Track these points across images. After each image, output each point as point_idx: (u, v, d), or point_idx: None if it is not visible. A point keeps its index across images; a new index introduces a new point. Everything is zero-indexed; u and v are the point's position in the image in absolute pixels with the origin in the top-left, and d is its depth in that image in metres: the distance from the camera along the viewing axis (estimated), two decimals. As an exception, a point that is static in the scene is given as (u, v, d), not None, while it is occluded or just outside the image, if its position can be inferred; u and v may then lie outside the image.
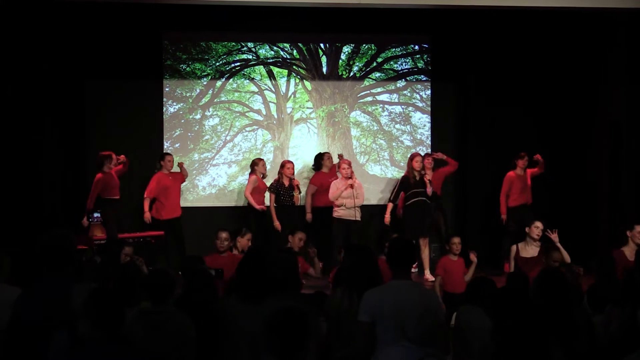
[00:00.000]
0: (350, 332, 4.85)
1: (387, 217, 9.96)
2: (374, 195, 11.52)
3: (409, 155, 10.41)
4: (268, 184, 10.45)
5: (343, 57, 11.74)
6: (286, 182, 10.10)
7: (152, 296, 4.45)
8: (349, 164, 9.98)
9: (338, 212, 9.88)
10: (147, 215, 10.13)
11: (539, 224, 8.30)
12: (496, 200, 10.73)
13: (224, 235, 7.86)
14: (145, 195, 10.21)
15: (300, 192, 10.30)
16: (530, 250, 8.22)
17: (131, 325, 4.24)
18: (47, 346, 4.04)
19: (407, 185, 9.97)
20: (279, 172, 10.25)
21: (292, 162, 10.37)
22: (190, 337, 4.34)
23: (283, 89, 11.63)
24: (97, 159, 9.76)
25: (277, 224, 10.00)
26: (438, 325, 4.59)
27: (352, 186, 9.77)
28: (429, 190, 9.88)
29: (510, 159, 10.68)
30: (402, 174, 10.37)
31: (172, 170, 10.53)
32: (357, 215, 9.85)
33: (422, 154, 10.89)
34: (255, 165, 10.51)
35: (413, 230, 9.60)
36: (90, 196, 9.60)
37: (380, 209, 11.43)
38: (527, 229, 8.39)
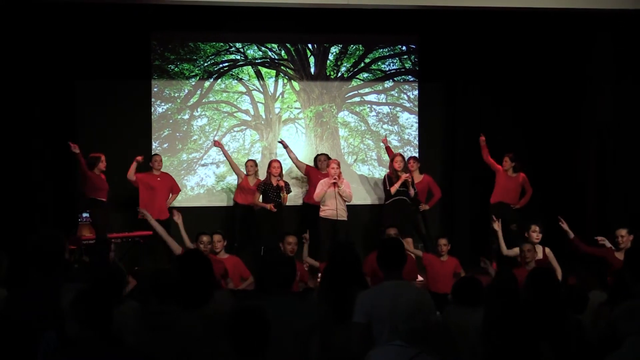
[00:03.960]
0: (331, 330, 4.87)
1: None
2: (361, 195, 11.58)
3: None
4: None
5: (331, 57, 11.80)
6: (274, 182, 10.14)
7: (158, 296, 4.42)
8: (338, 164, 9.95)
9: (325, 212, 9.86)
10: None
11: (535, 227, 8.36)
12: (484, 200, 10.74)
13: (205, 238, 7.92)
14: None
15: (288, 192, 10.32)
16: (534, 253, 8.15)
17: (134, 326, 4.26)
18: (36, 347, 4.02)
19: (389, 184, 10.04)
20: (267, 172, 10.29)
21: (278, 162, 10.36)
22: (198, 336, 4.32)
23: (271, 89, 11.67)
24: (89, 159, 9.78)
25: (269, 206, 10.04)
26: (432, 324, 4.57)
27: (336, 185, 9.75)
28: (411, 191, 9.94)
29: (496, 159, 10.72)
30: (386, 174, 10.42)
31: (162, 172, 10.54)
32: (343, 215, 9.84)
33: (408, 154, 10.95)
34: (245, 165, 10.67)
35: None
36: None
37: (367, 208, 11.59)
38: (526, 234, 8.45)
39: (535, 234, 8.31)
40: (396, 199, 9.96)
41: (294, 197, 11.05)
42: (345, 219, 9.89)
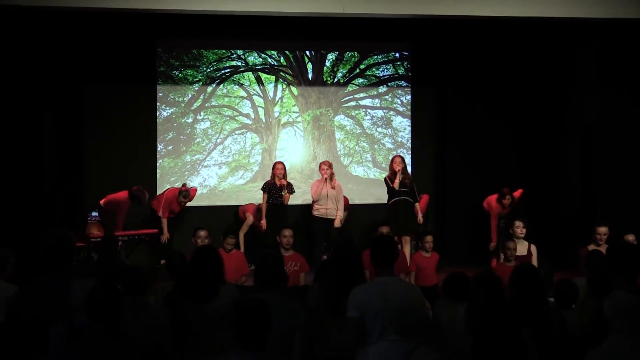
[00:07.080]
0: (328, 325, 5.08)
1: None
2: (356, 195, 11.87)
3: (390, 157, 10.68)
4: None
5: (328, 63, 12.11)
6: (277, 183, 10.32)
7: (128, 289, 4.50)
8: (329, 165, 10.17)
9: (318, 211, 10.10)
10: (165, 236, 10.48)
11: (518, 223, 8.65)
12: (474, 201, 11.03)
13: (202, 233, 8.12)
14: (162, 216, 10.48)
15: (291, 192, 10.55)
16: (519, 248, 8.40)
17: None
18: (46, 343, 4.05)
19: (388, 185, 10.26)
20: (271, 173, 10.48)
21: (282, 163, 10.50)
22: (166, 329, 4.41)
23: (271, 94, 11.98)
24: (134, 192, 10.04)
25: (263, 222, 10.22)
26: (424, 319, 4.79)
27: (332, 187, 10.02)
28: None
29: (485, 161, 10.97)
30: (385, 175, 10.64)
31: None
32: (334, 214, 10.07)
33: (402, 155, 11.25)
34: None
35: (396, 229, 9.73)
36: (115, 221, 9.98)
37: (363, 207, 11.80)
38: (510, 230, 8.77)
39: (519, 229, 8.62)
40: (397, 200, 10.07)
41: (298, 196, 11.33)
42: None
